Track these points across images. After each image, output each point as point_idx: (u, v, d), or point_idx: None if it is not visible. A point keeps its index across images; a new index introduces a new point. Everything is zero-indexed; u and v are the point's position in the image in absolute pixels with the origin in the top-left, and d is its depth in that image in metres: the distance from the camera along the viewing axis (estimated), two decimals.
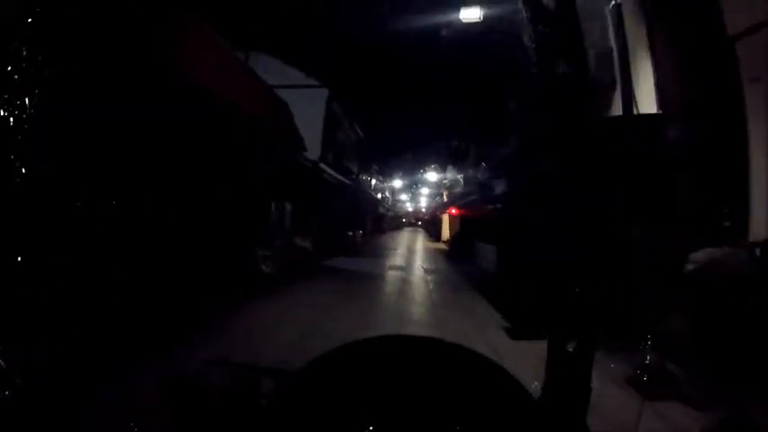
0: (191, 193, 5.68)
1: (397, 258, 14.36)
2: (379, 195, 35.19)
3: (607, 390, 3.32)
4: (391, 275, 9.81)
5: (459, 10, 8.61)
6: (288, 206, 10.73)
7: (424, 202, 51.74)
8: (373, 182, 32.69)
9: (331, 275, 9.16)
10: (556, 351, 0.75)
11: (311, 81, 15.52)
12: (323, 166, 13.38)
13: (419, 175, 36.92)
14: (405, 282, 8.89)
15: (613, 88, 6.34)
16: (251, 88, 8.39)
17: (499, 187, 9.04)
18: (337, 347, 0.77)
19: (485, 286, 8.57)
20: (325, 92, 15.57)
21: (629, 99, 5.24)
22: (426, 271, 11.05)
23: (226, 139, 6.41)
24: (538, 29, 0.74)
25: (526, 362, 3.52)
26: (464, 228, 17.63)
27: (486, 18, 8.43)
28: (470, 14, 8.38)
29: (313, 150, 13.86)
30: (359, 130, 23.30)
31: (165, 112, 4.76)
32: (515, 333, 4.81)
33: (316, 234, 12.38)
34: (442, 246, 22.74)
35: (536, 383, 0.77)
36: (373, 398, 0.71)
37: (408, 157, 35.31)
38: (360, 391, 0.73)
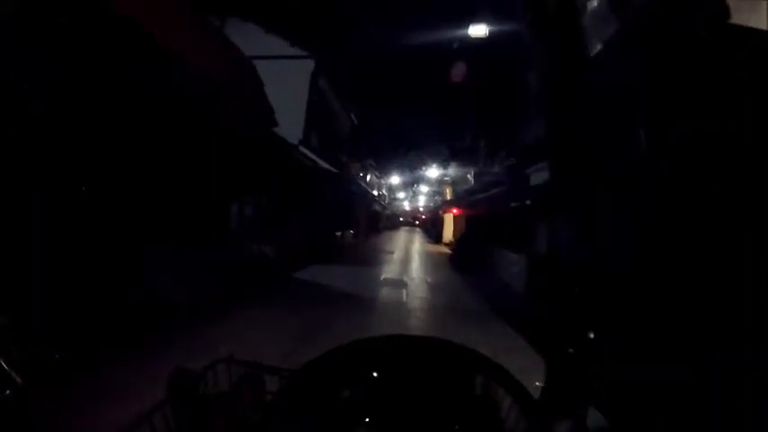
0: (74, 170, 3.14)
1: (394, 266, 11.79)
2: (376, 192, 32.74)
3: None
4: (386, 297, 7.08)
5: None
6: (251, 199, 8.17)
7: (422, 201, 49.52)
8: (369, 177, 30.26)
9: (293, 301, 6.13)
10: (556, 351, 0.73)
11: (296, 51, 12.98)
12: (304, 150, 10.82)
13: (419, 172, 34.49)
14: (405, 312, 6.18)
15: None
16: (192, 32, 5.82)
17: (538, 177, 6.49)
18: (338, 347, 0.76)
19: (516, 314, 6.02)
20: (310, 64, 13.01)
21: None
22: (432, 287, 8.48)
23: (145, 96, 3.88)
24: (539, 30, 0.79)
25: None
26: (472, 229, 15.15)
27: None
28: (478, 31, 8.86)
29: (295, 133, 11.40)
30: (353, 117, 20.77)
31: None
32: None
33: (290, 235, 9.81)
34: (443, 249, 20.30)
35: (536, 383, 0.73)
36: (373, 397, 0.72)
37: (408, 153, 32.82)
38: (360, 390, 0.74)
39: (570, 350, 0.70)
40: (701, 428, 2.34)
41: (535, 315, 5.89)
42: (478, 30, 8.61)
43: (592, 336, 0.71)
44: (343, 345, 0.77)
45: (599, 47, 3.11)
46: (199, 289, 4.89)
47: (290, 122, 11.46)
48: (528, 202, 7.69)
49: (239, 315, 4.99)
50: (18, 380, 0.76)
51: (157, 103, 4.37)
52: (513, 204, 8.74)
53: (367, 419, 0.68)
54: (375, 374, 0.76)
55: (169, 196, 4.82)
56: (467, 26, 11.19)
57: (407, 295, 7.38)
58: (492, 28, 9.29)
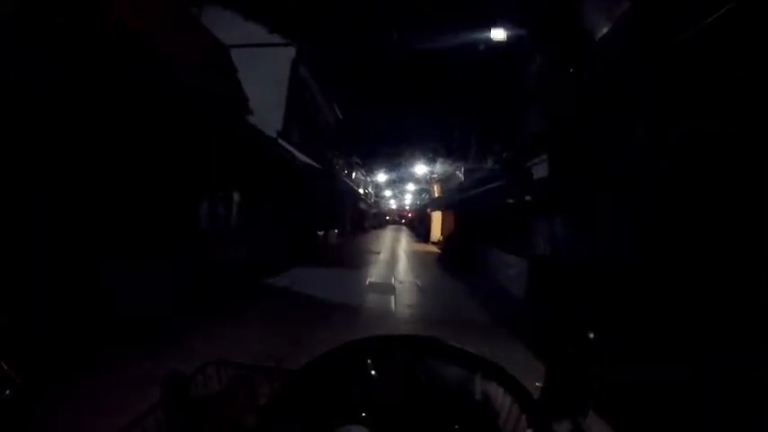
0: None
1: (381, 268, 11.80)
2: (361, 190, 32.70)
3: None
4: (372, 306, 6.81)
5: None
6: (225, 196, 8.02)
7: (409, 199, 49.72)
8: (354, 174, 30.21)
9: (260, 317, 5.53)
10: (556, 351, 0.76)
11: (275, 39, 12.82)
12: (284, 143, 10.71)
13: (406, 169, 34.59)
14: (395, 324, 5.97)
15: None
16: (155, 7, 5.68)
17: (540, 170, 6.59)
18: (337, 347, 0.78)
19: (519, 322, 6.00)
20: (291, 52, 12.87)
21: None
22: (422, 292, 8.49)
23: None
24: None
25: None
26: (463, 228, 15.33)
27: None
28: (497, 35, 9.05)
29: (275, 126, 11.27)
30: (338, 111, 20.69)
31: None
32: None
33: (269, 236, 9.70)
34: (431, 248, 20.49)
35: (536, 383, 0.77)
36: (373, 397, 0.75)
37: (395, 150, 32.86)
38: (359, 390, 0.76)
39: (570, 350, 0.73)
40: (701, 428, 2.44)
41: (541, 322, 5.92)
42: (498, 33, 8.92)
43: (592, 336, 0.74)
44: (342, 345, 0.79)
45: (599, 46, 3.20)
46: (153, 302, 4.68)
47: (270, 115, 11.30)
48: (528, 197, 7.78)
49: (188, 338, 4.19)
50: (18, 380, 0.79)
51: (115, 89, 4.20)
52: (509, 201, 8.86)
53: (366, 421, 0.69)
54: (374, 375, 0.78)
55: (123, 194, 4.58)
56: (459, 23, 11.42)
57: (396, 303, 7.22)
58: (480, 24, 9.56)
